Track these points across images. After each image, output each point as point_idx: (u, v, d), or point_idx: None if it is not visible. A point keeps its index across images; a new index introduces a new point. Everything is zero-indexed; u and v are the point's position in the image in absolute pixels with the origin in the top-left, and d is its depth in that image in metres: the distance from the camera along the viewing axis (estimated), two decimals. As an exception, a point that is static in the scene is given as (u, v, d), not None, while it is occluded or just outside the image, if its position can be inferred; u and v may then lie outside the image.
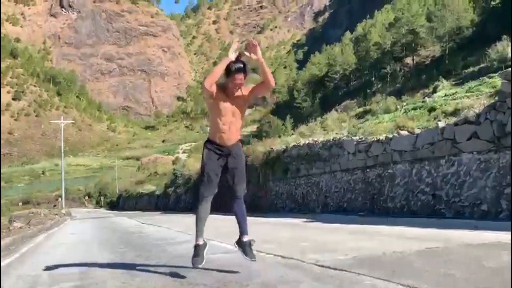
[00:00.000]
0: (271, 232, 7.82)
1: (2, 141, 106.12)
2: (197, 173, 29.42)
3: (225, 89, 3.67)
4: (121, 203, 57.10)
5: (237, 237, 3.85)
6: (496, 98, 8.05)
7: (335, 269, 3.75)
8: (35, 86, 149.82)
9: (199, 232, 3.77)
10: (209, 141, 3.75)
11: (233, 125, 3.72)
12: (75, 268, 4.85)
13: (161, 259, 5.16)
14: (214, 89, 3.62)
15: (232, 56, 3.62)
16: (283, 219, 11.82)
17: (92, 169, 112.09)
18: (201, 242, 3.74)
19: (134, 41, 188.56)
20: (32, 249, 7.76)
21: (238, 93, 3.68)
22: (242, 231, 3.82)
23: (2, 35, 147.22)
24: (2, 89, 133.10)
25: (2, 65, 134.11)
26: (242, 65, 3.61)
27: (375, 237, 6.12)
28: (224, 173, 3.76)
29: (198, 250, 3.73)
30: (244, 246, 3.79)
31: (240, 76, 3.60)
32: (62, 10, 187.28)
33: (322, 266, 3.94)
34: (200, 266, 3.67)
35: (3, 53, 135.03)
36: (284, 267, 4.04)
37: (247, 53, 3.66)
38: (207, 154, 3.72)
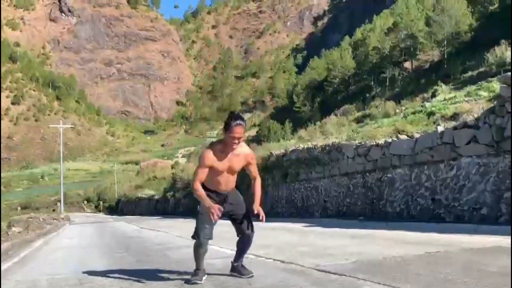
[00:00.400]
0: (271, 236, 7.81)
1: (1, 146, 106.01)
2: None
3: (222, 146, 3.65)
4: (120, 207, 56.97)
5: (231, 264, 3.94)
6: (495, 102, 8.06)
7: (335, 273, 3.74)
8: (34, 90, 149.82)
9: (200, 263, 3.81)
10: (204, 187, 3.72)
11: (230, 180, 3.78)
12: (74, 273, 4.84)
13: (160, 264, 5.15)
14: (205, 172, 3.63)
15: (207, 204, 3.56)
16: (283, 223, 11.81)
17: (91, 173, 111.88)
18: (201, 269, 3.81)
19: (133, 45, 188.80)
20: (31, 254, 7.74)
21: (236, 151, 3.65)
22: (239, 259, 3.91)
23: (1, 39, 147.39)
24: (1, 93, 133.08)
25: (1, 70, 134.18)
26: (241, 121, 3.59)
27: (374, 242, 6.11)
28: (228, 217, 3.82)
29: (197, 273, 3.79)
30: (239, 269, 3.87)
31: (239, 129, 3.56)
32: (62, 15, 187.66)
33: (322, 270, 3.94)
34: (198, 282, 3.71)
35: (2, 57, 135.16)
36: (284, 271, 4.04)
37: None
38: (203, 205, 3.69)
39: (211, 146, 3.73)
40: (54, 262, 6.15)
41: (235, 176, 3.82)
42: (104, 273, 4.61)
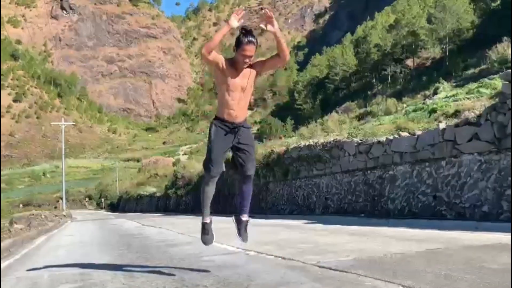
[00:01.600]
0: (272, 233, 7.81)
1: (2, 143, 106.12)
2: (198, 175, 29.42)
3: (234, 63, 3.60)
4: (121, 205, 57.07)
5: (237, 215, 3.91)
6: (497, 99, 8.04)
7: (336, 270, 3.74)
8: (36, 88, 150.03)
9: (206, 210, 3.82)
10: (216, 118, 3.68)
11: (242, 101, 3.67)
12: (76, 269, 4.85)
13: (162, 260, 5.16)
14: (214, 56, 3.54)
15: (234, 23, 3.51)
16: (284, 220, 11.82)
17: (92, 171, 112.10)
18: (208, 220, 3.83)
19: (134, 43, 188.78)
20: (32, 251, 7.76)
21: (248, 67, 3.61)
22: (244, 210, 3.88)
23: (2, 37, 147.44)
24: (2, 91, 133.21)
25: (2, 67, 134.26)
26: (253, 38, 3.52)
27: (376, 239, 6.11)
28: (234, 151, 3.73)
29: (206, 228, 3.82)
30: (241, 224, 3.87)
31: (251, 48, 3.51)
32: (63, 12, 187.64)
33: (323, 267, 3.94)
34: (211, 243, 3.81)
35: (4, 55, 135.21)
36: (285, 268, 4.04)
37: (262, 26, 3.58)
38: (214, 131, 3.65)
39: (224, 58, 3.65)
40: (56, 258, 6.17)
41: (247, 98, 3.70)
42: (106, 269, 4.62)
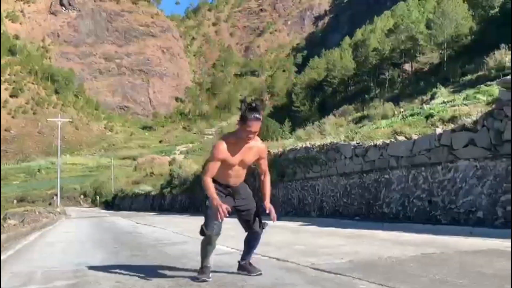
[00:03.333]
0: (267, 235, 7.78)
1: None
2: (194, 174, 29.40)
3: (236, 139, 3.50)
4: (116, 202, 56.90)
5: (238, 263, 3.86)
6: (494, 106, 8.08)
7: (330, 272, 3.75)
8: (33, 83, 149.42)
9: (206, 259, 3.68)
10: (213, 179, 3.57)
11: (241, 171, 3.66)
12: (69, 266, 4.84)
13: (156, 259, 5.15)
14: (218, 164, 3.49)
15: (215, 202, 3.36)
16: (279, 222, 11.78)
17: (88, 168, 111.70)
18: (208, 264, 3.69)
19: (133, 41, 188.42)
20: (26, 247, 7.73)
21: (249, 144, 3.52)
22: (246, 256, 3.82)
23: (1, 32, 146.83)
24: (0, 86, 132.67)
25: (0, 62, 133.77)
26: (259, 114, 3.42)
27: (370, 242, 6.12)
28: (236, 212, 3.71)
29: (204, 270, 3.67)
30: (246, 267, 3.79)
31: (256, 124, 3.41)
32: (62, 9, 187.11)
33: (318, 269, 3.94)
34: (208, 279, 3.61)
35: (2, 50, 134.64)
36: (280, 269, 4.04)
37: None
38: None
39: (224, 137, 3.60)
40: (50, 255, 6.15)
41: (246, 169, 3.70)
42: (99, 267, 4.61)
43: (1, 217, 13.29)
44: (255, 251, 3.93)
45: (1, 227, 10.95)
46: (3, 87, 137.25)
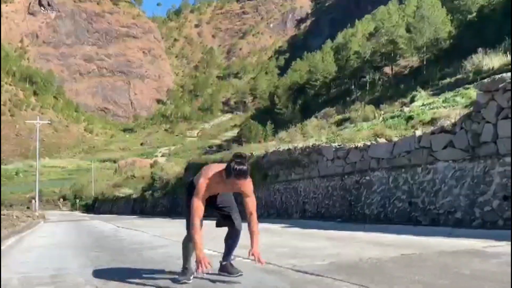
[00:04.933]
0: (248, 237, 7.79)
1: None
2: (175, 177, 29.19)
3: (221, 179, 3.42)
4: (97, 206, 56.15)
5: (220, 263, 3.86)
6: (472, 108, 8.24)
7: (313, 274, 3.76)
8: (10, 85, 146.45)
9: (188, 262, 3.70)
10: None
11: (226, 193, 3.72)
12: (48, 271, 4.73)
13: (137, 263, 5.08)
14: (205, 195, 3.45)
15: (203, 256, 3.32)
16: (261, 224, 11.76)
17: (68, 171, 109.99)
18: (189, 267, 3.69)
19: (114, 42, 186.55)
20: (2, 253, 7.53)
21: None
22: (227, 257, 3.83)
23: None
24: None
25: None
26: (245, 168, 3.33)
27: (352, 243, 6.17)
28: (216, 211, 3.73)
29: (185, 271, 3.67)
30: (227, 268, 3.80)
31: (241, 181, 3.36)
32: (41, 9, 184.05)
33: (300, 271, 3.95)
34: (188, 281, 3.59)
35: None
36: (262, 272, 4.03)
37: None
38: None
39: (211, 175, 3.46)
40: (27, 260, 6.01)
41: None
42: (79, 272, 4.53)
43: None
44: (235, 253, 3.92)
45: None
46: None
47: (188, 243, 3.60)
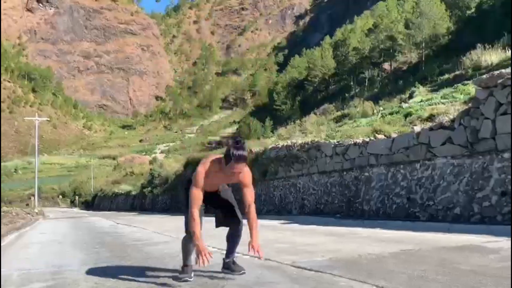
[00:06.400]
0: (248, 233, 7.81)
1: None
2: (174, 173, 29.19)
3: (220, 169, 3.39)
4: (96, 202, 56.14)
5: (223, 261, 3.82)
6: (470, 104, 8.25)
7: (312, 270, 3.77)
8: (9, 81, 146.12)
9: (189, 259, 3.66)
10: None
11: (224, 185, 3.72)
12: (47, 268, 4.74)
13: (136, 259, 5.09)
14: (202, 186, 3.39)
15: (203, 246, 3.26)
16: (261, 220, 11.80)
17: (67, 167, 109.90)
18: (189, 264, 3.64)
19: (112, 39, 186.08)
20: (2, 249, 7.55)
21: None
22: (230, 255, 3.80)
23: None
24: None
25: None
26: (244, 153, 3.31)
27: (351, 239, 6.18)
28: (217, 207, 3.71)
29: (186, 269, 3.62)
30: (229, 266, 3.77)
31: (240, 166, 3.31)
32: (39, 5, 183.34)
33: (299, 267, 3.96)
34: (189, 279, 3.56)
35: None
36: (261, 268, 4.04)
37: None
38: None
39: (209, 163, 3.43)
40: (27, 257, 6.02)
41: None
42: (78, 269, 4.53)
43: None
44: (237, 249, 3.92)
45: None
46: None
47: (188, 244, 3.55)
